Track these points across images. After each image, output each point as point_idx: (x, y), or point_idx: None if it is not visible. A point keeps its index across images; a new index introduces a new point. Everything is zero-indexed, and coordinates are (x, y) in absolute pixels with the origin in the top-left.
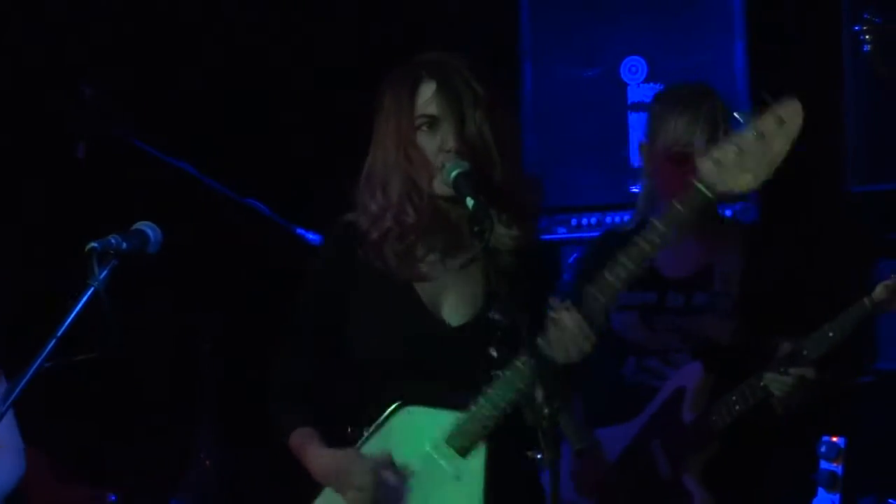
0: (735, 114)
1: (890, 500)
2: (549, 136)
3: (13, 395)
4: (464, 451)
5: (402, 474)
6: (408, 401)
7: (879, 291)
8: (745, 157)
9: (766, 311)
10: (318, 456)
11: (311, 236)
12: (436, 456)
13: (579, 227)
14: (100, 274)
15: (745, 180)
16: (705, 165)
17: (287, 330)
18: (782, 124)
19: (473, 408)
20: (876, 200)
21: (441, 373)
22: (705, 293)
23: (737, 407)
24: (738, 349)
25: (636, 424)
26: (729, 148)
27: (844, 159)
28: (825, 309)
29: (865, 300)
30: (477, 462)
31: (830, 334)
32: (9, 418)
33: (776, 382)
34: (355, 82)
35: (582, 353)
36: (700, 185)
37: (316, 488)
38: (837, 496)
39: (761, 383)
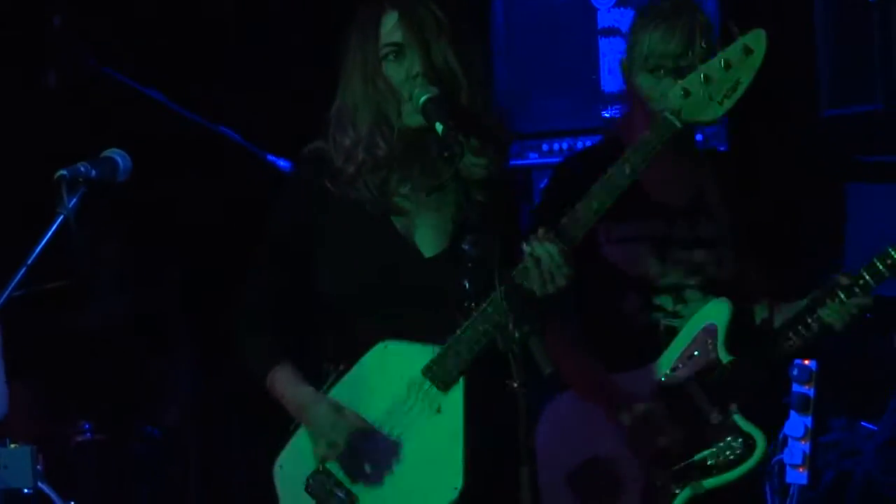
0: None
1: (862, 422)
2: (520, 61)
3: None
4: (443, 385)
5: (372, 432)
6: (382, 334)
7: None
8: (711, 87)
9: (751, 241)
10: (297, 398)
11: (282, 163)
12: (414, 390)
13: (550, 152)
14: (69, 202)
15: (711, 109)
16: (673, 93)
17: (256, 260)
18: (749, 54)
19: (451, 341)
20: (847, 123)
21: (416, 303)
22: (710, 223)
23: (790, 343)
24: (742, 283)
25: (661, 367)
26: (696, 77)
27: (816, 83)
28: (799, 235)
29: None
30: (456, 395)
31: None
32: None
33: (835, 315)
34: (326, 10)
35: (557, 286)
36: (668, 114)
37: (289, 420)
38: (809, 419)
39: (815, 316)
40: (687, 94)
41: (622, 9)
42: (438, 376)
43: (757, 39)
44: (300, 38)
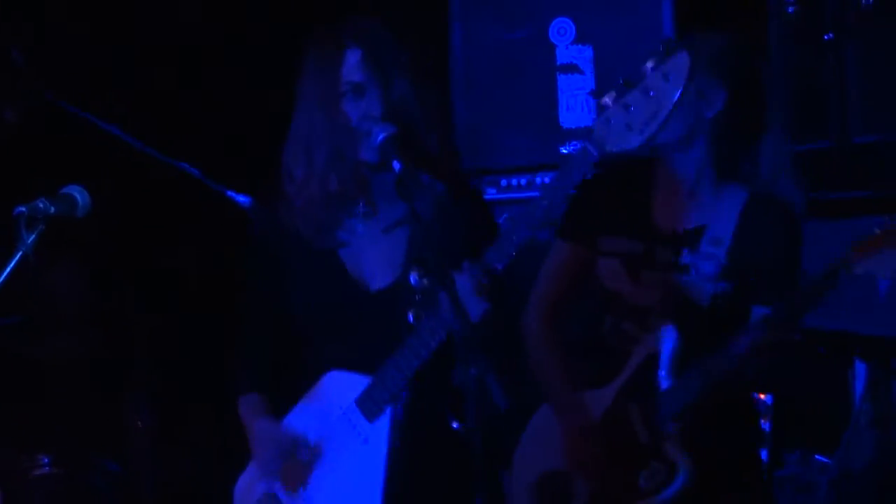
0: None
1: (816, 456)
2: (479, 97)
3: None
4: (370, 415)
5: (306, 453)
6: (332, 365)
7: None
8: (631, 115)
9: (748, 281)
10: (250, 426)
11: (241, 199)
12: (347, 419)
13: (509, 188)
14: (28, 238)
15: (630, 138)
16: (596, 125)
17: (242, 301)
18: (667, 79)
19: (378, 373)
20: (799, 161)
21: (360, 337)
22: (692, 253)
23: (708, 379)
24: (713, 315)
25: (612, 389)
26: (618, 105)
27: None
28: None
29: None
30: (382, 426)
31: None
32: None
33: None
34: (281, 41)
35: (470, 318)
36: (588, 145)
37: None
38: (765, 452)
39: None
40: (607, 124)
41: (580, 45)
42: (367, 407)
43: (676, 65)
44: (262, 70)
